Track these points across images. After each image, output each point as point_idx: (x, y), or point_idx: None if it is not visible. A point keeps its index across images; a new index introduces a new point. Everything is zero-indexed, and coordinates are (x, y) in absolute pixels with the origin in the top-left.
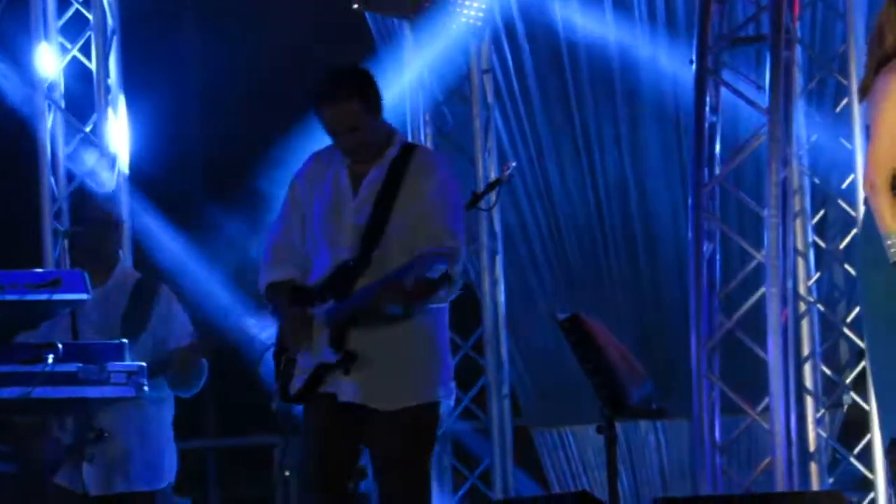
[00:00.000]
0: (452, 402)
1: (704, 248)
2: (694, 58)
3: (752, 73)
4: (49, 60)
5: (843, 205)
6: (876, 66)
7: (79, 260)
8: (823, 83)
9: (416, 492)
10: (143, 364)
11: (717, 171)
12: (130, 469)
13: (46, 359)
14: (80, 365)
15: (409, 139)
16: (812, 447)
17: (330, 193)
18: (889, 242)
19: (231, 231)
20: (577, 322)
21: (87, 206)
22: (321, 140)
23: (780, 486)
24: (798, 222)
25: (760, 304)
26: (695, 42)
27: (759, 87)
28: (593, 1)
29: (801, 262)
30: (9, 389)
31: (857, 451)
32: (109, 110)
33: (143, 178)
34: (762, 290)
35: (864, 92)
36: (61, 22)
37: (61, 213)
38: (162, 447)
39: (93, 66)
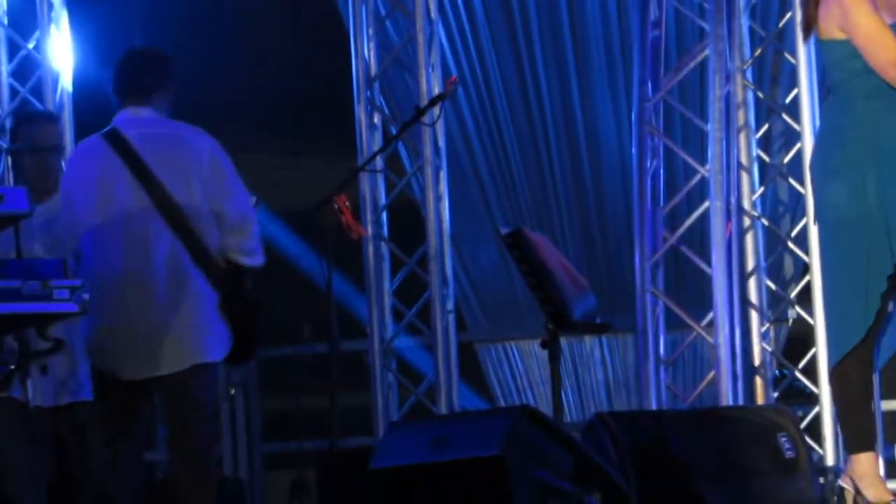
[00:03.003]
0: None
1: (648, 162)
2: None
3: None
4: None
5: (787, 119)
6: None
7: (22, 181)
8: None
9: None
10: (85, 281)
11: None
12: (79, 380)
13: None
14: (23, 281)
15: (353, 55)
16: (757, 361)
17: None
18: None
19: None
20: (521, 236)
21: (31, 129)
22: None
23: (725, 400)
24: (742, 136)
25: (704, 219)
26: None
27: (703, 1)
28: None
29: (745, 176)
30: None
31: (801, 365)
32: (52, 27)
33: (86, 96)
34: (706, 204)
35: (808, 28)
36: None
37: (4, 131)
38: None
39: None
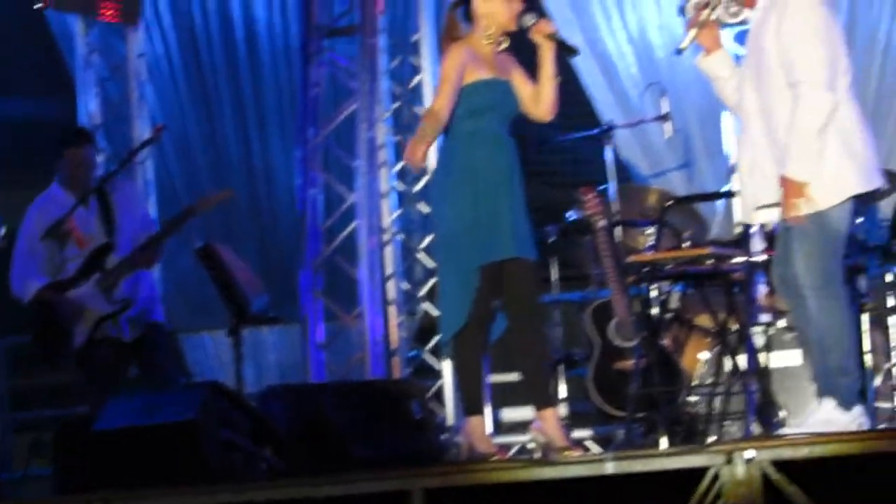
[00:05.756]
0: None
1: (310, 191)
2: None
3: (348, 53)
4: None
5: None
6: None
7: None
8: (403, 63)
9: None
10: None
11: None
12: None
13: None
14: None
15: (79, 111)
16: (394, 345)
17: None
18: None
19: None
20: (210, 250)
21: None
22: None
23: (370, 375)
24: (383, 171)
25: (354, 235)
26: (301, 31)
27: (353, 64)
28: None
29: (385, 201)
30: None
31: (429, 347)
32: None
33: None
34: (355, 223)
35: None
36: None
37: None
38: None
39: None
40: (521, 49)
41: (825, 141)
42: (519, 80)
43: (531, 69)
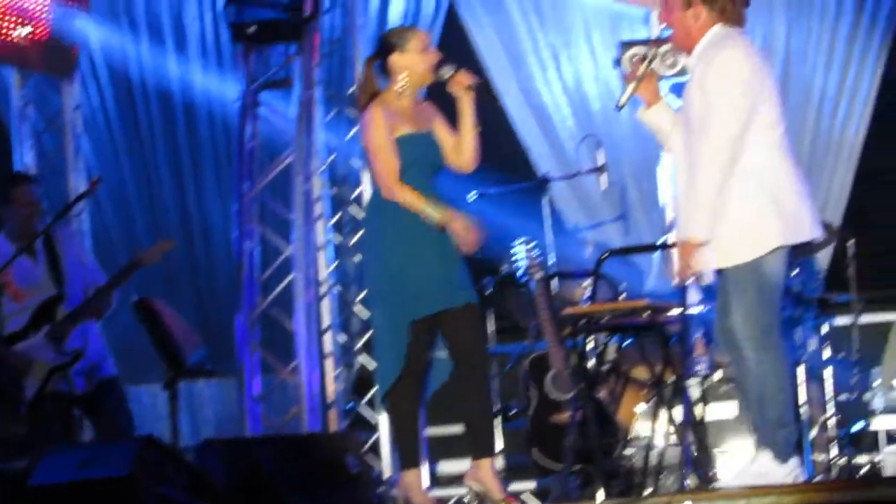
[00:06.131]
0: None
1: (246, 244)
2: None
3: (284, 106)
4: None
5: (355, 209)
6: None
7: None
8: (339, 115)
9: None
10: None
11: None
12: None
13: None
14: None
15: (15, 162)
16: (331, 398)
17: None
18: (425, 216)
19: None
20: (146, 303)
21: None
22: None
23: (306, 428)
24: (319, 223)
25: (290, 287)
26: (239, 84)
27: (289, 119)
28: (158, 46)
29: (321, 254)
30: None
31: (365, 400)
32: None
33: None
34: (291, 276)
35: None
36: None
37: None
38: None
39: None
40: (443, 99)
41: (733, 194)
42: (441, 131)
43: (454, 118)
